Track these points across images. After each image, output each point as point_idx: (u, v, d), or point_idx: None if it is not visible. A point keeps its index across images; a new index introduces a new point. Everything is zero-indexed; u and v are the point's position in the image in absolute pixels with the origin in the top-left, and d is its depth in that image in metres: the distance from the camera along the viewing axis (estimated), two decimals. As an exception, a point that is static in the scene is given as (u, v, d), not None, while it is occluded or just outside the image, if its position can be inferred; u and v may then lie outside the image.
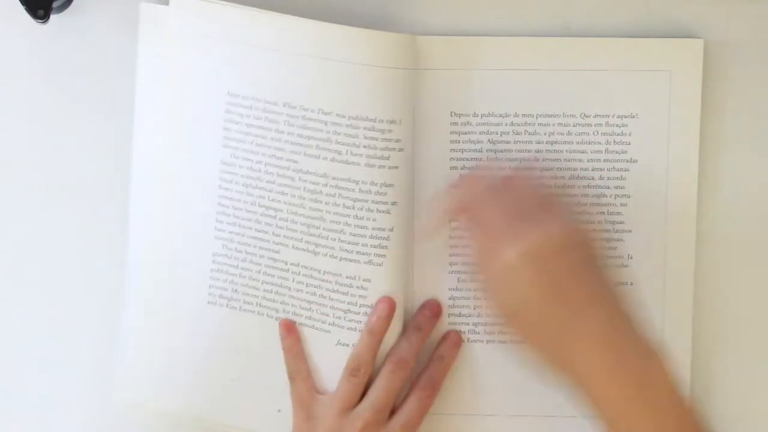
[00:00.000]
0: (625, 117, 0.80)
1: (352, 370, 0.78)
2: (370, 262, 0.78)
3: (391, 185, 0.78)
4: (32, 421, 0.84)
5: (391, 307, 0.78)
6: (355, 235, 0.78)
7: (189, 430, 0.82)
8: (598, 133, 0.80)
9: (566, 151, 0.80)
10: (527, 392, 0.81)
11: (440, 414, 0.81)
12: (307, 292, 0.79)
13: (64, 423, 0.84)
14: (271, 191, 0.79)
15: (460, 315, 0.81)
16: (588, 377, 0.68)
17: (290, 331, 0.79)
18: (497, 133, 0.80)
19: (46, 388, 0.84)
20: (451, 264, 0.81)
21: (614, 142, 0.80)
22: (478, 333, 0.81)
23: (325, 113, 0.77)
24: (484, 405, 0.82)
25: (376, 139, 0.77)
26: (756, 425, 0.84)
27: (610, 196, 0.80)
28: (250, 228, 0.79)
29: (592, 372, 0.68)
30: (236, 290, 0.80)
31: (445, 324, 0.81)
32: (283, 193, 0.78)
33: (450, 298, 0.81)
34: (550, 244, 0.69)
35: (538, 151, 0.80)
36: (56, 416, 0.84)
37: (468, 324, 0.81)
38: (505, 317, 0.72)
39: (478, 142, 0.80)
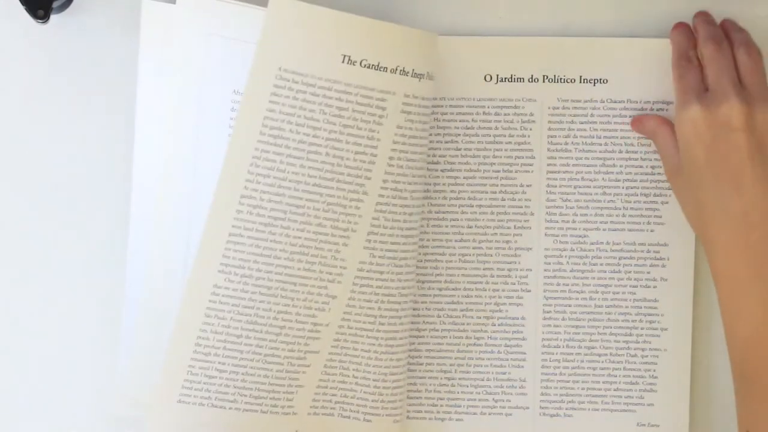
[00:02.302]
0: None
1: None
2: None
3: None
4: (32, 421, 0.83)
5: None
6: None
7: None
8: None
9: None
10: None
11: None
12: None
13: (65, 424, 0.83)
14: None
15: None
16: (716, 249, 0.73)
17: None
18: None
19: (46, 389, 0.83)
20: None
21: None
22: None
23: None
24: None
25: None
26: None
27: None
28: None
29: (720, 246, 0.73)
30: None
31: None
32: None
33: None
34: (743, 120, 0.72)
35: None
36: (57, 417, 0.83)
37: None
38: (670, 165, 0.77)
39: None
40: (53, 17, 0.79)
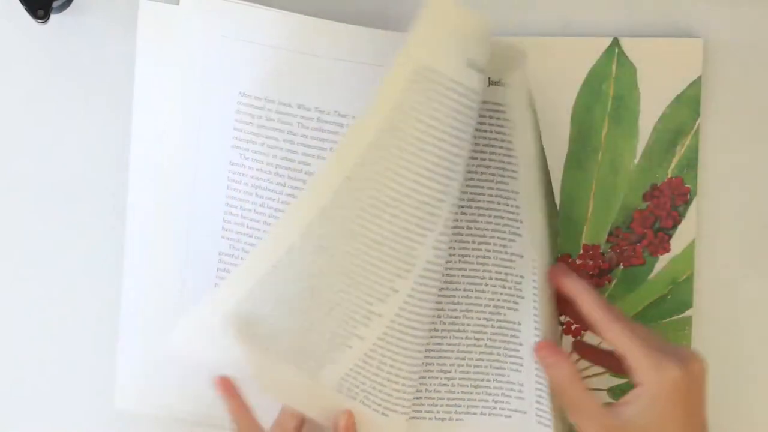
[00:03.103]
0: (626, 116, 0.80)
1: None
2: None
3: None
4: (32, 421, 0.84)
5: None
6: None
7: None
8: None
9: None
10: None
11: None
12: None
13: (65, 424, 0.84)
14: (281, 193, 0.78)
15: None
16: None
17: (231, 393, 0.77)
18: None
19: (46, 389, 0.83)
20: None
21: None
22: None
23: (341, 115, 0.77)
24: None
25: (391, 142, 0.77)
26: (755, 426, 0.85)
27: None
28: (258, 229, 0.79)
29: None
30: None
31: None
32: (292, 196, 0.78)
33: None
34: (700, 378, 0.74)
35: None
36: (57, 417, 0.84)
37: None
38: (584, 411, 0.74)
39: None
40: (53, 17, 0.79)
